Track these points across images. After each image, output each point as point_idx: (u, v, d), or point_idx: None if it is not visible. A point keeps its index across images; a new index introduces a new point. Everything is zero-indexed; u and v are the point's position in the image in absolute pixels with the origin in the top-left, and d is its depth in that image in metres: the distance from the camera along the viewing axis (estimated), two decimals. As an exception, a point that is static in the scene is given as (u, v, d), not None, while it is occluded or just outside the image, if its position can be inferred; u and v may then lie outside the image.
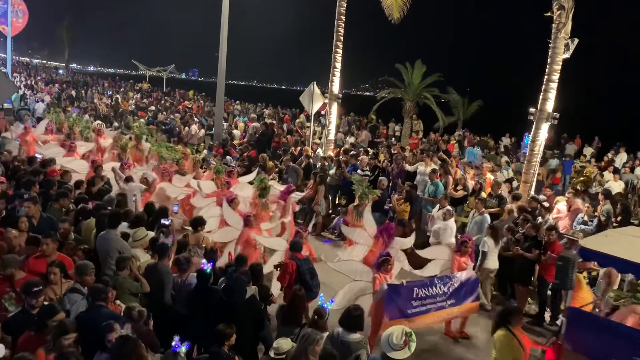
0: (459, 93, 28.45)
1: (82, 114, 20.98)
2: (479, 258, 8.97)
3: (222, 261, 7.60)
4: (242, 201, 9.83)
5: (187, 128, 20.05)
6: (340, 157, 14.37)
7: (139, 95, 32.78)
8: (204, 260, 6.14)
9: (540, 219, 10.20)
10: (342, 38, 16.29)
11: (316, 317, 5.41)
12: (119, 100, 28.11)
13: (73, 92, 30.80)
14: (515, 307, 6.69)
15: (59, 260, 5.84)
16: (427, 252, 8.38)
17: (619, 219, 10.48)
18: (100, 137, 13.55)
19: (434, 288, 7.22)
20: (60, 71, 50.66)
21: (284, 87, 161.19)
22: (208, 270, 6.01)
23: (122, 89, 36.61)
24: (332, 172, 13.31)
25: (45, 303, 4.97)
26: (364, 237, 8.57)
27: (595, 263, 8.74)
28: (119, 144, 12.92)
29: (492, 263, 8.95)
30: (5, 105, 19.90)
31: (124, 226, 7.26)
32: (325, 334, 5.25)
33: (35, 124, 15.41)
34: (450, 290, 7.38)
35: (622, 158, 19.04)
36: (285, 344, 4.96)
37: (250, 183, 10.63)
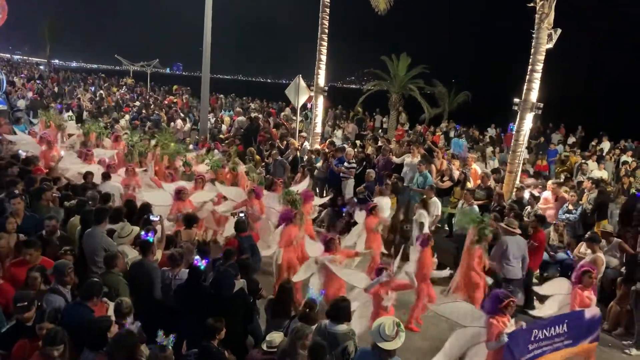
0: (444, 85, 28.56)
1: (66, 111, 20.73)
2: (418, 228, 9.68)
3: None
4: (270, 213, 9.60)
5: (172, 123, 19.92)
6: (326, 149, 14.39)
7: (122, 90, 32.45)
8: (197, 257, 6.11)
9: (529, 209, 10.33)
10: (327, 30, 16.26)
11: (307, 309, 5.42)
12: (103, 96, 27.80)
13: (56, 89, 30.39)
14: None
15: (39, 265, 5.69)
16: (545, 287, 7.47)
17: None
18: (118, 143, 12.96)
19: (553, 328, 6.19)
20: (42, 67, 49.86)
21: (269, 80, 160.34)
22: (202, 267, 5.99)
23: (105, 84, 36.17)
24: (319, 165, 13.33)
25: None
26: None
27: (583, 249, 8.88)
28: (136, 149, 12.38)
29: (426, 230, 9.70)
30: (0, 107, 19.37)
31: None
32: (314, 327, 5.29)
33: (32, 129, 14.98)
34: (569, 329, 6.34)
35: (605, 147, 19.31)
36: (277, 337, 4.99)
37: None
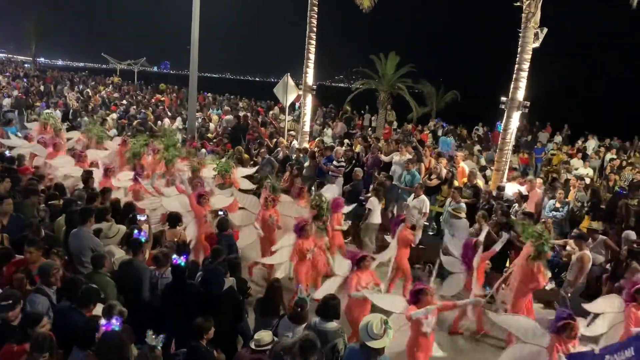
0: (432, 84, 28.69)
1: (54, 109, 20.48)
2: (365, 214, 10.24)
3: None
4: (286, 222, 8.97)
5: (159, 122, 19.77)
6: (315, 148, 14.39)
7: (109, 89, 32.16)
8: (175, 255, 6.09)
9: (516, 206, 10.42)
10: (315, 29, 16.23)
11: (298, 309, 5.42)
12: (90, 94, 27.54)
13: (42, 87, 30.08)
14: None
15: (24, 266, 5.64)
16: (595, 305, 6.95)
17: (588, 204, 10.75)
18: (124, 146, 12.19)
19: (623, 353, 5.50)
20: (27, 65, 49.31)
21: (257, 79, 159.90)
22: (182, 264, 5.97)
23: (92, 83, 35.87)
24: (307, 164, 13.32)
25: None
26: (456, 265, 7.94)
27: (570, 244, 8.96)
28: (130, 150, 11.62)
29: (376, 219, 10.28)
30: None
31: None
32: (303, 326, 5.30)
33: (29, 133, 14.45)
34: (637, 353, 5.65)
35: (591, 145, 19.54)
36: (266, 336, 4.97)
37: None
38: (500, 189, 11.20)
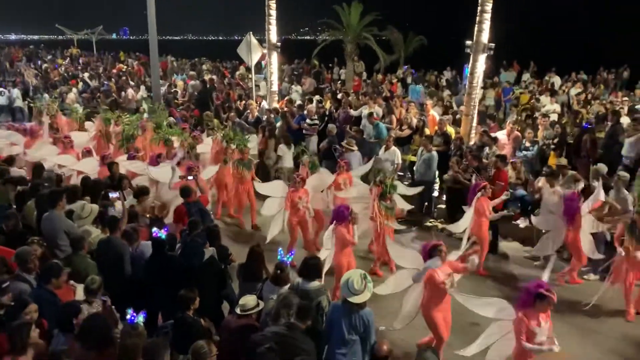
0: (399, 29, 28.31)
1: (12, 88, 19.71)
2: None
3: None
4: (317, 198, 8.61)
5: (123, 93, 19.20)
6: (284, 108, 14.24)
7: (67, 62, 31.00)
8: (155, 229, 6.08)
9: (487, 150, 10.56)
10: (274, -18, 15.69)
11: (278, 271, 5.50)
12: (48, 70, 26.51)
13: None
14: None
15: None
16: None
17: (555, 140, 10.95)
18: (116, 126, 11.69)
19: None
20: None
21: (221, 37, 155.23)
22: (163, 237, 5.98)
23: (49, 57, 34.46)
24: (279, 124, 13.21)
25: None
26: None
27: (541, 184, 9.16)
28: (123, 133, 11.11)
29: (288, 163, 11.29)
30: None
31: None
32: (286, 287, 5.40)
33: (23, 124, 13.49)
34: None
35: (556, 81, 19.68)
36: (251, 300, 5.04)
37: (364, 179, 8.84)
38: (483, 133, 11.22)
